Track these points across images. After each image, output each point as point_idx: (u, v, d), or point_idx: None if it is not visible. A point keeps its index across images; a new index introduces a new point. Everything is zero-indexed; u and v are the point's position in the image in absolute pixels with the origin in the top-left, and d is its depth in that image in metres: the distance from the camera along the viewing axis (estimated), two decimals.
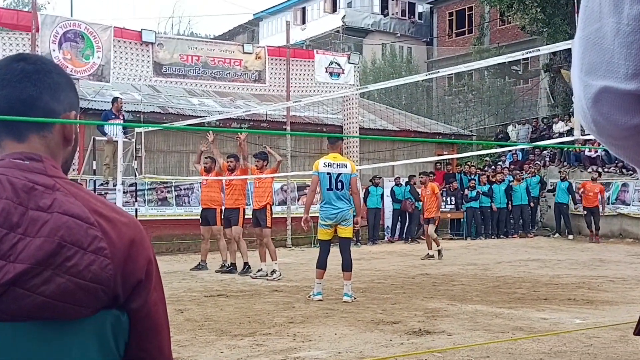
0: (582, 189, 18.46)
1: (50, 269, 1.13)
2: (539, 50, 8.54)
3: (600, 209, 18.18)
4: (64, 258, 1.14)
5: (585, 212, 18.33)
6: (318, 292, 8.31)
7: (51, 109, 1.31)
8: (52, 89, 1.31)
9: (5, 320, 1.11)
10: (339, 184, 8.35)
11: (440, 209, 14.92)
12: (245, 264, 11.09)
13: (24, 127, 1.28)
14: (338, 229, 8.36)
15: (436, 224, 14.27)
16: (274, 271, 10.50)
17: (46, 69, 1.33)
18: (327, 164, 8.38)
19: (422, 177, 14.93)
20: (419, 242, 18.02)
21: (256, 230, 10.93)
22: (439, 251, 13.69)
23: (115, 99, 14.27)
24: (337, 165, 8.38)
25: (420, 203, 15.71)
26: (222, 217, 11.50)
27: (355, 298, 8.25)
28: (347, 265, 8.33)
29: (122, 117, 14.13)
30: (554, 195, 19.62)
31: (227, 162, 11.44)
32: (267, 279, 10.36)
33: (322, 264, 8.33)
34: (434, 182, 15.25)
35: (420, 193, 15.51)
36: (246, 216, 11.40)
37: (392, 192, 18.74)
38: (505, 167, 21.45)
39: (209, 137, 11.47)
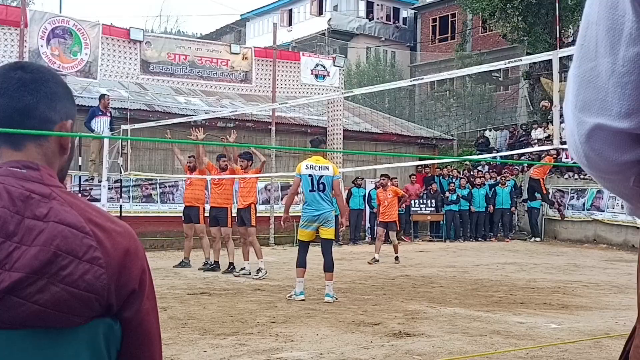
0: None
1: (45, 278, 1.13)
2: (521, 60, 8.78)
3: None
4: (59, 267, 1.14)
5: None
6: (301, 291, 8.47)
7: (48, 118, 1.30)
8: (48, 98, 1.30)
9: (0, 327, 1.12)
10: (321, 185, 8.52)
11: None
12: (230, 263, 11.23)
13: (21, 136, 1.28)
14: (320, 230, 8.54)
15: (398, 228, 13.99)
16: (259, 270, 10.65)
17: (43, 78, 1.32)
18: (309, 167, 8.54)
19: (382, 179, 14.30)
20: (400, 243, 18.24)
21: (240, 229, 11.07)
22: (397, 257, 13.46)
23: (102, 96, 14.31)
24: (319, 168, 8.54)
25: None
26: (209, 215, 11.64)
27: (336, 299, 8.43)
28: (329, 266, 8.51)
29: (109, 114, 14.18)
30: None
31: (220, 161, 11.62)
32: (253, 278, 10.51)
33: (302, 263, 8.51)
34: (396, 185, 14.87)
35: (377, 196, 14.61)
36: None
37: (369, 195, 18.80)
38: (485, 172, 21.73)
39: (199, 134, 11.56)
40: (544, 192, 18.77)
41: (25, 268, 1.12)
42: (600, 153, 0.89)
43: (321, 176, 8.52)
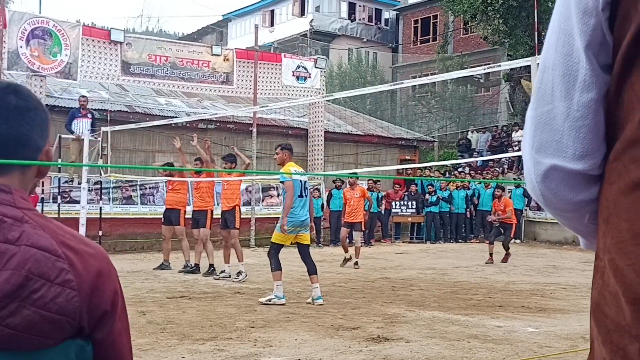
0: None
1: (17, 301, 1.13)
2: (500, 65, 8.89)
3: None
4: (30, 290, 1.14)
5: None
6: (283, 295, 8.47)
7: (39, 147, 1.33)
8: (39, 126, 1.33)
9: None
10: (306, 190, 8.67)
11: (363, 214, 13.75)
12: (211, 265, 11.21)
13: (9, 164, 1.30)
14: (301, 236, 8.57)
15: (362, 229, 13.73)
16: (239, 272, 10.64)
17: (35, 105, 1.34)
18: (296, 171, 8.60)
19: (351, 179, 13.90)
20: (374, 245, 18.34)
21: (223, 231, 11.05)
22: (357, 262, 12.87)
23: (79, 98, 14.25)
24: (301, 174, 8.67)
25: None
26: (191, 218, 11.62)
27: (315, 300, 8.49)
28: (313, 269, 8.58)
29: (90, 116, 14.07)
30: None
31: (194, 164, 11.58)
32: (233, 281, 10.50)
33: (279, 266, 8.52)
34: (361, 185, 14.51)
35: (344, 195, 14.07)
36: (214, 217, 11.55)
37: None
38: (467, 174, 21.86)
39: (194, 139, 11.53)
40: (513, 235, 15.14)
41: None
42: (555, 193, 0.92)
43: (305, 182, 8.72)
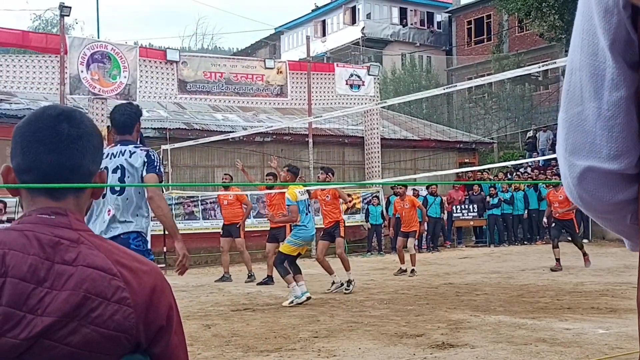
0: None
1: (76, 321, 1.18)
2: (555, 62, 8.68)
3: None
4: (89, 309, 1.18)
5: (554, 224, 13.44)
6: (302, 293, 9.11)
7: (90, 172, 1.38)
8: (92, 154, 1.38)
9: None
10: (311, 208, 9.72)
11: (421, 222, 13.66)
12: (269, 276, 11.37)
13: (65, 190, 1.34)
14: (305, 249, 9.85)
15: (417, 237, 13.49)
16: (349, 281, 10.51)
17: (88, 131, 1.37)
18: (301, 192, 9.50)
19: (399, 188, 13.63)
20: (439, 251, 18.17)
21: (325, 243, 10.88)
22: (413, 270, 12.68)
23: None
24: (305, 192, 9.68)
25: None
26: (269, 233, 11.75)
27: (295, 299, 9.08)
28: (295, 269, 9.41)
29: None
30: None
31: (267, 179, 12.08)
32: (345, 292, 10.30)
33: (287, 271, 9.26)
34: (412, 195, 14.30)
35: (394, 205, 13.81)
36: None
37: (388, 201, 18.52)
38: (530, 174, 21.41)
39: (272, 163, 11.70)
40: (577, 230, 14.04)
41: (56, 312, 1.17)
42: (593, 194, 0.91)
43: (308, 199, 9.71)
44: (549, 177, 20.40)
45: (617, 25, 0.84)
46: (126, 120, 4.70)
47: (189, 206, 16.06)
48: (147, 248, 4.62)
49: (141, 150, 4.57)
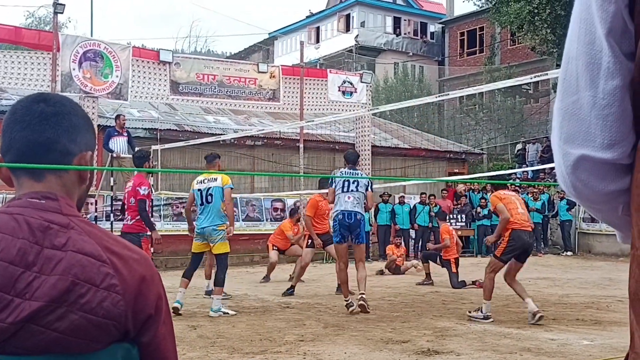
0: None
1: (65, 306, 1.16)
2: (547, 74, 8.75)
3: None
4: (77, 295, 1.17)
5: None
6: (177, 300, 8.57)
7: (68, 150, 1.34)
8: (69, 131, 1.34)
9: (21, 354, 1.15)
10: (209, 197, 8.69)
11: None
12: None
13: (44, 168, 1.32)
14: (212, 246, 8.73)
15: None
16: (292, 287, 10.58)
17: (65, 110, 1.35)
18: (199, 182, 8.81)
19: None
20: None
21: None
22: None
23: (117, 116, 14.47)
24: (208, 180, 8.74)
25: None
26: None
27: (223, 313, 8.50)
28: (217, 280, 8.71)
29: (125, 134, 14.25)
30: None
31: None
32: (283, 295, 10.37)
33: (188, 274, 8.82)
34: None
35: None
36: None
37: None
38: (519, 186, 21.49)
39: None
40: None
41: (44, 297, 1.16)
42: (586, 183, 0.91)
43: (209, 188, 8.71)
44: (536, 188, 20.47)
45: (614, 13, 0.85)
46: None
47: (178, 207, 16.00)
48: None
49: None
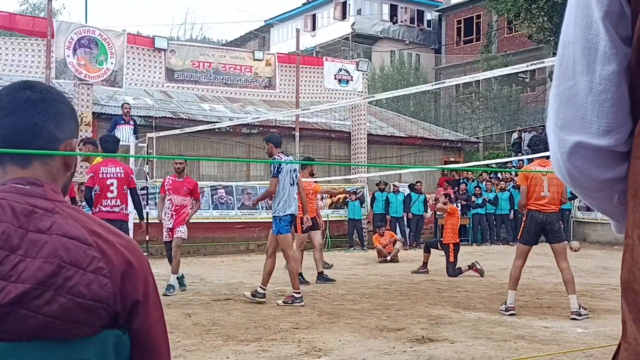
0: None
1: (52, 290, 1.15)
2: (543, 62, 8.72)
3: None
4: (64, 278, 1.16)
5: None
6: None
7: (55, 137, 1.34)
8: (56, 117, 1.34)
9: (9, 340, 1.14)
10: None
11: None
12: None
13: (29, 155, 1.32)
14: None
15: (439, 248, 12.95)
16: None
17: (51, 97, 1.35)
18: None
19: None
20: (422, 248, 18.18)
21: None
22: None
23: (122, 105, 14.48)
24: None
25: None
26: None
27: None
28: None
29: (132, 123, 14.31)
30: None
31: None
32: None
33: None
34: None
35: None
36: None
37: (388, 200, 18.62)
38: (515, 174, 21.51)
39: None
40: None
41: (30, 279, 1.15)
42: (582, 171, 0.90)
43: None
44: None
45: None
46: None
47: None
48: None
49: None
